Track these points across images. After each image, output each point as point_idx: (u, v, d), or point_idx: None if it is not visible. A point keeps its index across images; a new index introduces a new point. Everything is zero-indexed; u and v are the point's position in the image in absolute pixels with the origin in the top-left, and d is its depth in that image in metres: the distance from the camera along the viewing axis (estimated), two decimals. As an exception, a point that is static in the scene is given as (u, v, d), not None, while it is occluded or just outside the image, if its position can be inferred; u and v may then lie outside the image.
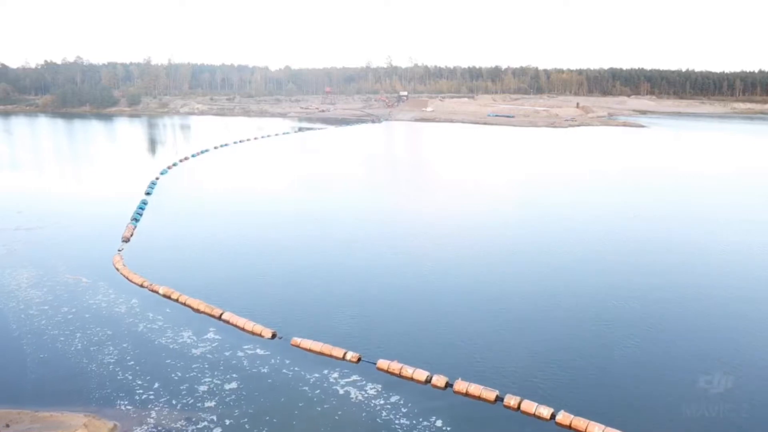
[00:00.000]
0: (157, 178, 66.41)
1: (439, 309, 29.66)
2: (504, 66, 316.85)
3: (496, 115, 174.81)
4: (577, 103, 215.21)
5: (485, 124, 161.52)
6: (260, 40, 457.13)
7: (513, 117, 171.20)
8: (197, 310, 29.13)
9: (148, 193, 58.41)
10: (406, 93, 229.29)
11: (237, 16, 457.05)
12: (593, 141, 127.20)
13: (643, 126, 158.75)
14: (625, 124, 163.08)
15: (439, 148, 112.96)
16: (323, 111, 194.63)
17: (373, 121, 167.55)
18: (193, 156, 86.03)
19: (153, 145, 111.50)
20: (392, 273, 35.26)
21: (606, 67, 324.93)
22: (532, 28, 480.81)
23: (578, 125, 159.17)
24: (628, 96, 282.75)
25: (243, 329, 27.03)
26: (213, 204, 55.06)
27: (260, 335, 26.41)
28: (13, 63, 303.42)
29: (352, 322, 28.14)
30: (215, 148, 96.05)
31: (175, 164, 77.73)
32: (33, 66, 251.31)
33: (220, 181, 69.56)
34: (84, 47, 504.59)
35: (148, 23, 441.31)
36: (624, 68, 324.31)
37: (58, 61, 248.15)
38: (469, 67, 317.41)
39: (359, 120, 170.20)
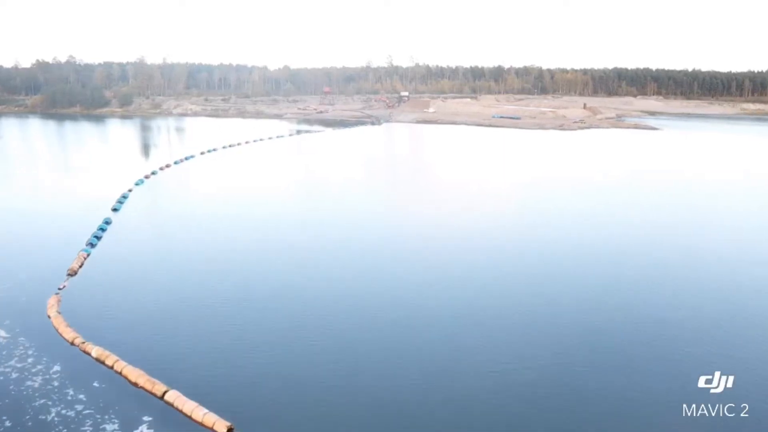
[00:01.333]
0: (129, 190, 59.38)
1: (455, 390, 22.56)
2: (507, 65, 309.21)
3: (501, 117, 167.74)
4: (584, 104, 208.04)
5: (490, 126, 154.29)
6: (259, 40, 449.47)
7: (519, 119, 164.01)
8: (135, 384, 22.17)
9: (115, 209, 51.41)
10: (407, 93, 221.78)
11: (235, 15, 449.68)
12: (606, 144, 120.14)
13: (655, 128, 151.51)
14: (636, 126, 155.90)
15: (444, 155, 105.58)
16: (321, 112, 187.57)
17: (372, 123, 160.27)
18: (175, 163, 78.91)
19: (135, 149, 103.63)
20: (395, 335, 27.15)
21: (611, 66, 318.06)
22: (535, 26, 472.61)
23: (587, 127, 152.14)
24: (635, 96, 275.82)
25: (190, 418, 20.08)
26: (186, 226, 47.06)
27: (212, 429, 19.46)
28: (5, 62, 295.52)
29: (341, 413, 20.91)
30: (201, 153, 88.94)
31: (154, 173, 70.69)
32: (24, 66, 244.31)
33: (200, 194, 61.62)
34: (79, 47, 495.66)
35: (146, 22, 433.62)
36: (629, 68, 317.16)
37: (50, 61, 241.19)
38: (471, 67, 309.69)
39: (359, 122, 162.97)
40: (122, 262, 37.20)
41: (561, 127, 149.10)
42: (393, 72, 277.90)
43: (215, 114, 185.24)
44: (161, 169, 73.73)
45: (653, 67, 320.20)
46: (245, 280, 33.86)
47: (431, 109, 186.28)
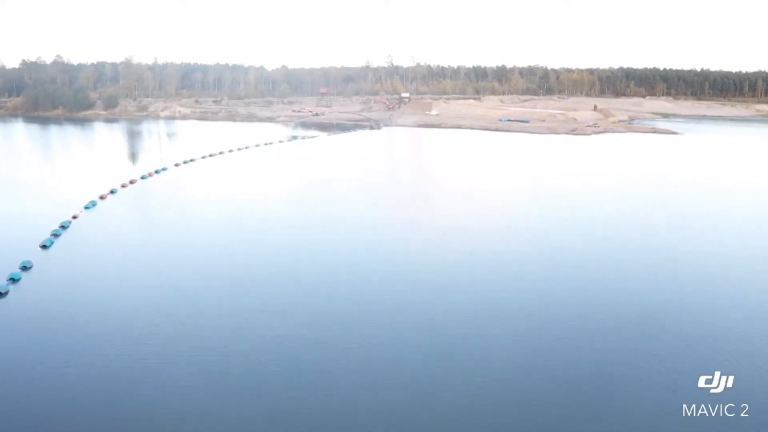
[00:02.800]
0: (74, 217, 48.76)
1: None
2: (510, 65, 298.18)
3: (509, 120, 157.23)
4: (595, 106, 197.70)
5: (497, 130, 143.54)
6: (256, 39, 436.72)
7: (528, 122, 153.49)
8: None
9: (44, 246, 40.81)
10: (407, 94, 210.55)
11: (232, 14, 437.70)
12: (629, 152, 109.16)
13: (674, 132, 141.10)
14: (654, 131, 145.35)
15: (455, 166, 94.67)
16: (317, 114, 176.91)
17: (371, 127, 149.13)
18: (142, 178, 68.21)
19: (102, 160, 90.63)
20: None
21: (617, 66, 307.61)
22: (539, 25, 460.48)
23: (602, 131, 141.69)
24: (644, 97, 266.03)
25: None
26: (135, 277, 35.42)
27: None
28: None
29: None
30: (176, 165, 78.17)
31: (113, 191, 60.10)
32: (12, 66, 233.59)
33: (162, 224, 49.64)
34: (72, 47, 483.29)
35: (143, 22, 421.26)
36: (637, 68, 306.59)
37: (35, 61, 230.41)
38: (473, 67, 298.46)
39: (357, 125, 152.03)
40: (24, 340, 26.43)
41: (574, 132, 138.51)
42: (393, 72, 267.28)
43: (204, 117, 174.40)
44: (123, 186, 63.08)
45: (661, 66, 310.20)
46: (199, 358, 23.42)
47: (434, 112, 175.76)
